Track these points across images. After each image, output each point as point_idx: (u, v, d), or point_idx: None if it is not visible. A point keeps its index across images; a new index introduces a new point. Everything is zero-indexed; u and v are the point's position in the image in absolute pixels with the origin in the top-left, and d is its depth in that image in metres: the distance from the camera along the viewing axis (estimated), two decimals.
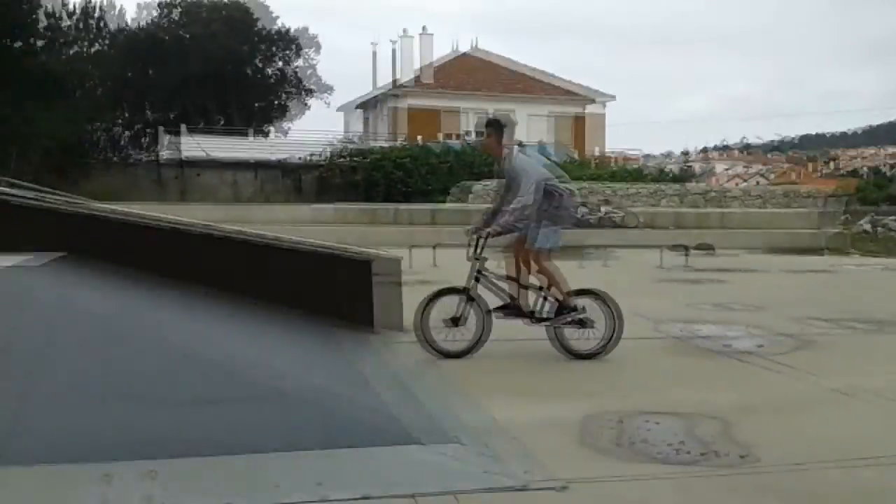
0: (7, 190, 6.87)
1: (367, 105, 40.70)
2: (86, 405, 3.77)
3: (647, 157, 40.95)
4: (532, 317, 5.84)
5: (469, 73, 36.68)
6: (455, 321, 5.65)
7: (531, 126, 34.73)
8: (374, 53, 35.88)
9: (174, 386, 4.13)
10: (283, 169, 29.27)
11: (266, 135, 40.65)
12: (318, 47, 45.86)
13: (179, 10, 40.39)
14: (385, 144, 31.67)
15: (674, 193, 24.20)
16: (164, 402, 3.90)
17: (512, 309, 5.84)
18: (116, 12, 39.54)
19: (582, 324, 5.77)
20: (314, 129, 36.66)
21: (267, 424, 3.77)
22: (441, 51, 37.14)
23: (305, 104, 47.67)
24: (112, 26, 34.83)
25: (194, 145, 29.83)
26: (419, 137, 31.92)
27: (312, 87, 46.49)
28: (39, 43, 23.05)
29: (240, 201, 26.34)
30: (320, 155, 28.89)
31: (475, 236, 5.76)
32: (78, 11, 28.29)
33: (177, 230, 6.59)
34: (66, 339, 4.58)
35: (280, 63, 42.49)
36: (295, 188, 29.05)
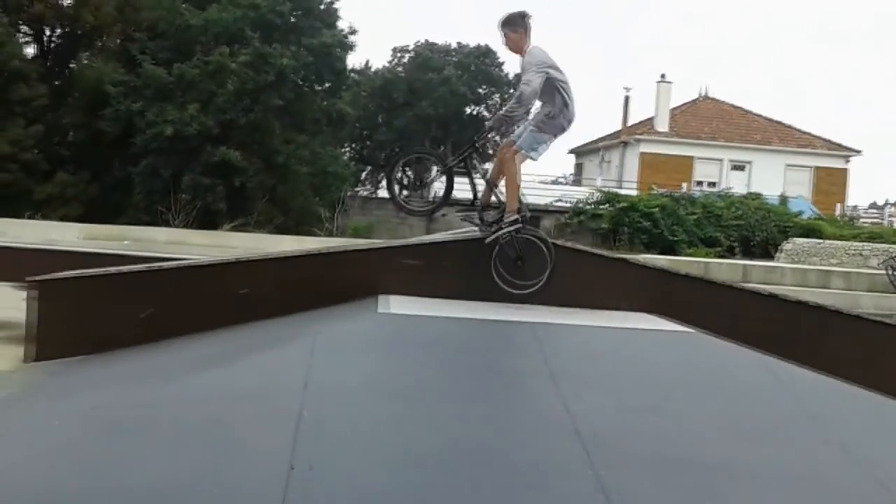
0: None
1: (587, 150, 40.73)
2: None
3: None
4: (481, 219, 5.94)
5: (703, 121, 35.89)
6: (422, 184, 5.80)
7: (765, 176, 33.37)
8: (627, 98, 36.00)
9: None
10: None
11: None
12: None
13: (411, 54, 42.41)
14: (619, 191, 31.39)
15: None
16: None
17: (470, 208, 6.02)
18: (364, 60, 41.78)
19: (517, 257, 5.81)
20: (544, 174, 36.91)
21: None
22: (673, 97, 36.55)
23: None
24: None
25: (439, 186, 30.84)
26: (655, 185, 31.41)
27: None
28: (335, 89, 24.55)
29: None
30: (567, 200, 29.03)
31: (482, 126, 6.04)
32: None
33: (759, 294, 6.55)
34: None
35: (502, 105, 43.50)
36: None
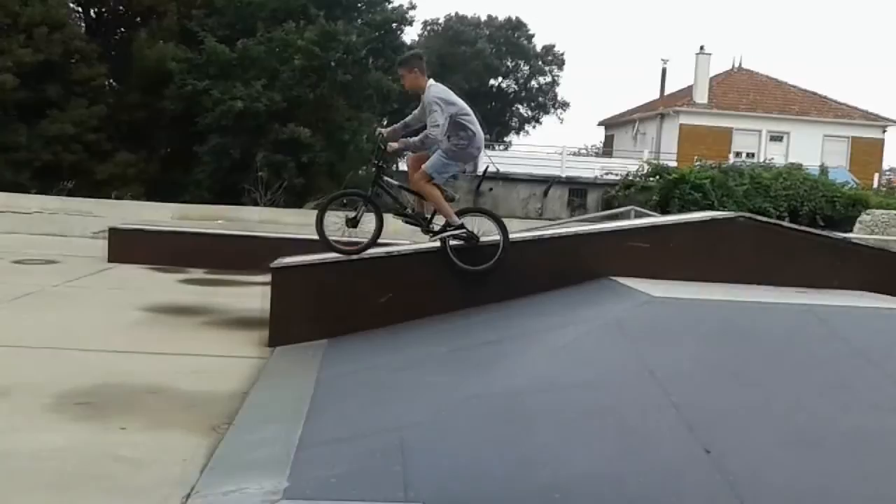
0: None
1: (620, 122, 40.65)
2: None
3: None
4: (426, 227, 6.20)
5: (741, 92, 35.78)
6: (353, 222, 6.03)
7: (803, 147, 33.37)
8: (664, 70, 35.96)
9: None
10: (571, 185, 29.67)
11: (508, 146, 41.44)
12: (560, 64, 46.45)
13: (440, 27, 42.16)
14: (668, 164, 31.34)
15: None
16: None
17: (411, 216, 6.24)
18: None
19: (467, 239, 6.11)
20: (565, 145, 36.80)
21: None
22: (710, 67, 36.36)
23: (538, 120, 48.40)
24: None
25: (485, 159, 30.71)
26: (699, 158, 31.33)
27: (562, 100, 46.83)
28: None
29: (549, 217, 26.82)
30: (614, 173, 28.98)
31: (379, 143, 6.06)
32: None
33: None
34: None
35: (534, 79, 43.39)
36: (580, 205, 29.43)
